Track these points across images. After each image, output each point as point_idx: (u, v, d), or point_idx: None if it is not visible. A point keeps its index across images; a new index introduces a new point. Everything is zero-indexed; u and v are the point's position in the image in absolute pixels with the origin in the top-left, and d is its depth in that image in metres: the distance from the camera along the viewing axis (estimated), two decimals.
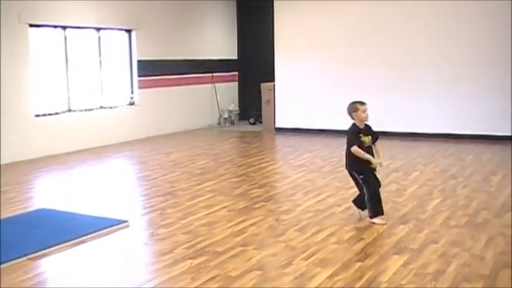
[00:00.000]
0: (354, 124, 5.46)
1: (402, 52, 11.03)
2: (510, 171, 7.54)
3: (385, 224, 5.30)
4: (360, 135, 5.38)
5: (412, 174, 7.55)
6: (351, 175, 5.59)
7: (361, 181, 5.44)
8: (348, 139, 5.40)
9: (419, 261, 4.33)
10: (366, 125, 5.50)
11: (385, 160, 8.48)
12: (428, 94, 10.82)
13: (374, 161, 5.36)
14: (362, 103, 5.43)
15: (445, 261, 4.33)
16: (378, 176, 5.53)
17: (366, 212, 5.49)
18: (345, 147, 5.47)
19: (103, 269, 4.42)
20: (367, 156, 5.31)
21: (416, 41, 10.88)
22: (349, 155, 5.42)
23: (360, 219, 5.47)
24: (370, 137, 5.46)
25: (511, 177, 7.21)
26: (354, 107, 5.41)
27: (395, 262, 4.33)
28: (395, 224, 5.31)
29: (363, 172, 5.40)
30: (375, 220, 5.34)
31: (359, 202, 5.58)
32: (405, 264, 4.29)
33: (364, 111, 5.39)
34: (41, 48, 9.68)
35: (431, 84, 10.78)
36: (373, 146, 5.49)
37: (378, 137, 5.56)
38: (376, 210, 5.36)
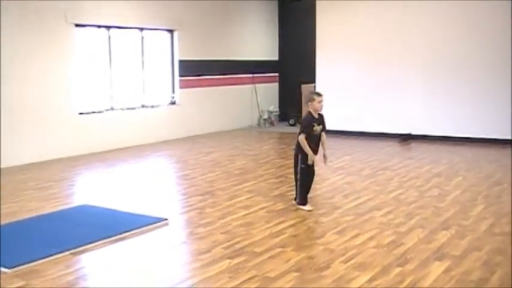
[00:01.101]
0: (309, 112, 5.91)
1: (445, 55, 10.82)
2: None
3: (312, 210, 5.83)
4: (313, 123, 5.84)
5: (455, 179, 7.40)
6: (295, 160, 5.96)
7: (299, 168, 5.87)
8: (301, 125, 5.93)
9: (462, 268, 4.23)
10: (320, 115, 5.95)
11: (427, 164, 8.37)
12: (472, 97, 10.58)
13: (310, 158, 5.78)
14: (319, 94, 5.90)
15: (489, 269, 4.22)
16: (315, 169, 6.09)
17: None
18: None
19: (142, 266, 4.46)
20: (307, 149, 5.76)
21: (461, 43, 10.67)
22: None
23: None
24: (321, 126, 5.93)
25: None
26: (311, 98, 5.88)
27: (437, 268, 4.24)
28: (437, 230, 5.20)
29: (304, 163, 5.83)
30: (304, 207, 5.87)
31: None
32: (447, 270, 4.20)
33: (320, 102, 5.84)
34: (85, 48, 9.85)
35: (476, 88, 10.55)
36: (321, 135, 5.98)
37: (325, 128, 6.01)
38: (304, 198, 5.92)
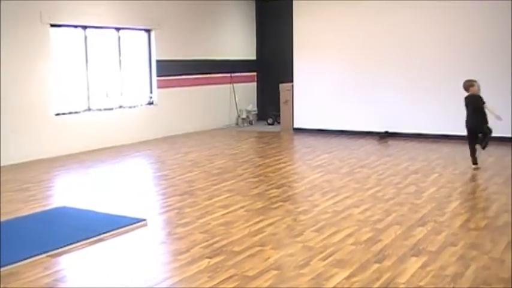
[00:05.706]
0: (474, 95, 7.67)
1: (422, 53, 10.94)
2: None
3: (478, 168, 7.71)
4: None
5: (431, 176, 7.49)
6: (479, 132, 7.68)
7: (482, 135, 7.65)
8: (480, 102, 7.61)
9: (438, 264, 4.30)
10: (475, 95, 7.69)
11: (404, 162, 8.47)
12: (449, 96, 10.67)
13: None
14: (475, 81, 7.71)
15: (464, 263, 4.29)
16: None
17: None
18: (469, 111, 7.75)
19: (121, 267, 4.45)
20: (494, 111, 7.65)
21: (438, 41, 10.79)
22: (481, 114, 7.63)
23: (378, 220, 5.46)
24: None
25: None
26: (471, 83, 7.72)
27: (413, 264, 4.31)
28: (414, 226, 5.27)
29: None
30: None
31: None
32: (423, 266, 4.26)
33: (478, 86, 7.67)
34: (61, 48, 9.77)
35: (452, 86, 10.63)
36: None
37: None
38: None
